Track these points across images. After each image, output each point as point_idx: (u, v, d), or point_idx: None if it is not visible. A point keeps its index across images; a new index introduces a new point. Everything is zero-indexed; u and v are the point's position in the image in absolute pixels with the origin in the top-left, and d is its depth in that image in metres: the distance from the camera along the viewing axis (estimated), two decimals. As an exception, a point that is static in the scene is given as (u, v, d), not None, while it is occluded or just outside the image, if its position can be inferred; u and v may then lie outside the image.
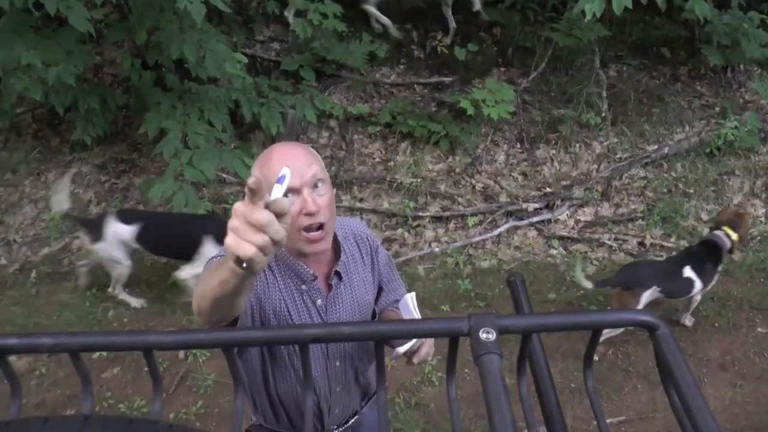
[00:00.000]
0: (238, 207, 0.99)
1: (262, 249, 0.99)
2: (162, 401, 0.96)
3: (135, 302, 4.52)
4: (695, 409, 0.85)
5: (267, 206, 0.99)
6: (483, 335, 0.87)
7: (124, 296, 4.52)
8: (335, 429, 1.93)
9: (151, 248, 4.38)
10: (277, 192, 1.03)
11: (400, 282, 2.03)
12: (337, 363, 1.82)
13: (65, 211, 4.44)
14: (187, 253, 4.21)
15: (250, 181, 0.96)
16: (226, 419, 3.66)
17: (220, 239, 4.07)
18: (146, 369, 3.89)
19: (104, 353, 4.03)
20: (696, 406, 0.85)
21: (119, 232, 4.21)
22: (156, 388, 0.95)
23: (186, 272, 4.23)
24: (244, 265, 1.01)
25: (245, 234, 0.98)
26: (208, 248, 4.09)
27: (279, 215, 1.00)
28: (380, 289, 1.96)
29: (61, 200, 4.39)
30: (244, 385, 1.70)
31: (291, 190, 1.55)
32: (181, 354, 4.09)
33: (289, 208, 1.02)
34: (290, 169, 1.52)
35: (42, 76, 4.23)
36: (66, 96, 4.85)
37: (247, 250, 0.98)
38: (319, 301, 1.73)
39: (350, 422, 1.98)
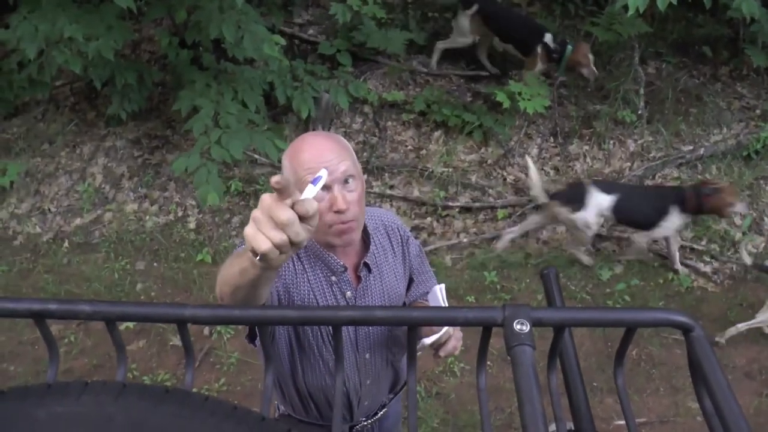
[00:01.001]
0: (265, 199, 0.98)
1: (278, 246, 0.97)
2: (193, 373, 0.98)
3: (587, 260, 4.74)
4: (728, 414, 0.83)
5: (294, 205, 0.97)
6: (517, 326, 0.87)
7: (580, 255, 4.74)
8: (363, 420, 1.93)
9: (622, 218, 4.52)
10: (310, 192, 1.01)
11: (431, 274, 2.01)
12: (367, 355, 1.80)
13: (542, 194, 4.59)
14: (651, 222, 4.43)
15: (274, 180, 0.94)
16: (247, 398, 3.71)
17: (685, 209, 4.34)
18: (171, 344, 3.98)
19: (131, 326, 4.10)
20: (729, 410, 0.84)
21: (600, 201, 4.38)
22: (188, 361, 0.96)
23: (642, 237, 4.57)
24: (258, 257, 1.00)
25: (264, 227, 0.97)
26: (673, 218, 4.36)
27: (304, 217, 0.98)
28: (411, 281, 1.94)
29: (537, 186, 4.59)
30: (275, 363, 1.72)
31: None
32: (206, 330, 4.14)
33: (316, 211, 0.99)
34: (323, 165, 1.51)
35: (82, 49, 4.28)
36: (104, 70, 4.91)
37: (262, 244, 0.97)
38: (348, 293, 1.72)
39: (379, 414, 1.97)
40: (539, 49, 5.43)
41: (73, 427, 0.65)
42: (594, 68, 5.40)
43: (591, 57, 5.37)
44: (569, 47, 5.38)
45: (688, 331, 0.94)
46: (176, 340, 3.98)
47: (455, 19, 5.71)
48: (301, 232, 0.97)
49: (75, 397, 0.68)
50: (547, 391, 0.98)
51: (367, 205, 1.75)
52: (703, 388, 0.91)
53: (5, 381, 3.75)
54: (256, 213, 0.98)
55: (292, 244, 0.98)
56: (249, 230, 0.99)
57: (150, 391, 0.70)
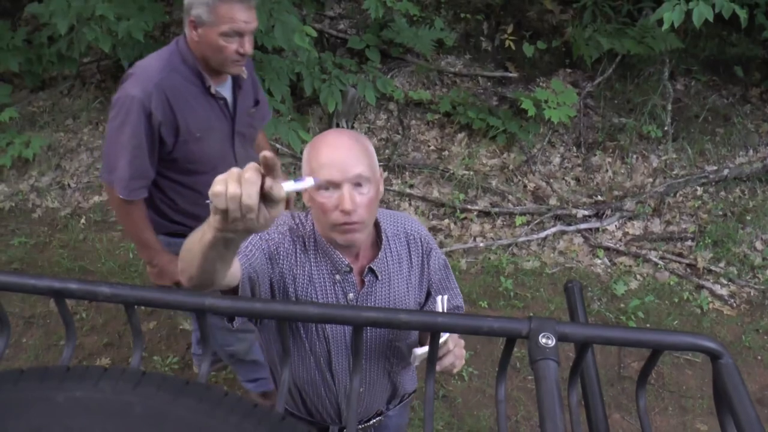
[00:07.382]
0: (253, 164, 1.00)
1: (229, 197, 0.98)
2: (210, 364, 0.96)
3: None
4: (756, 447, 0.81)
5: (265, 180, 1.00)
6: (542, 340, 0.85)
7: None
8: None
9: None
10: (287, 186, 1.03)
11: (456, 291, 1.92)
12: (363, 362, 1.78)
13: None
14: None
15: (266, 154, 0.97)
16: (253, 386, 3.70)
17: None
18: (181, 327, 3.96)
19: (142, 307, 4.10)
20: (757, 442, 0.82)
21: None
22: (205, 351, 0.95)
23: None
24: (208, 199, 1.02)
25: (230, 178, 0.99)
26: None
27: (266, 197, 1.00)
28: (428, 295, 1.87)
29: None
30: (291, 357, 1.71)
31: (331, 184, 1.54)
32: (217, 316, 4.14)
33: (279, 199, 1.01)
34: (337, 164, 1.53)
35: (112, 28, 4.30)
36: (132, 50, 4.92)
37: (218, 186, 0.99)
38: (350, 295, 1.69)
39: (372, 422, 1.94)
40: None
41: (92, 412, 0.64)
42: None
43: None
44: None
45: (716, 358, 0.92)
46: (186, 324, 3.98)
47: None
48: (253, 197, 0.98)
49: (94, 382, 0.67)
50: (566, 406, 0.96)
51: (387, 207, 1.73)
52: (729, 418, 0.88)
53: (18, 353, 3.78)
54: (235, 169, 1.01)
55: (241, 213, 0.99)
56: (219, 176, 1.01)
57: (169, 382, 0.69)
